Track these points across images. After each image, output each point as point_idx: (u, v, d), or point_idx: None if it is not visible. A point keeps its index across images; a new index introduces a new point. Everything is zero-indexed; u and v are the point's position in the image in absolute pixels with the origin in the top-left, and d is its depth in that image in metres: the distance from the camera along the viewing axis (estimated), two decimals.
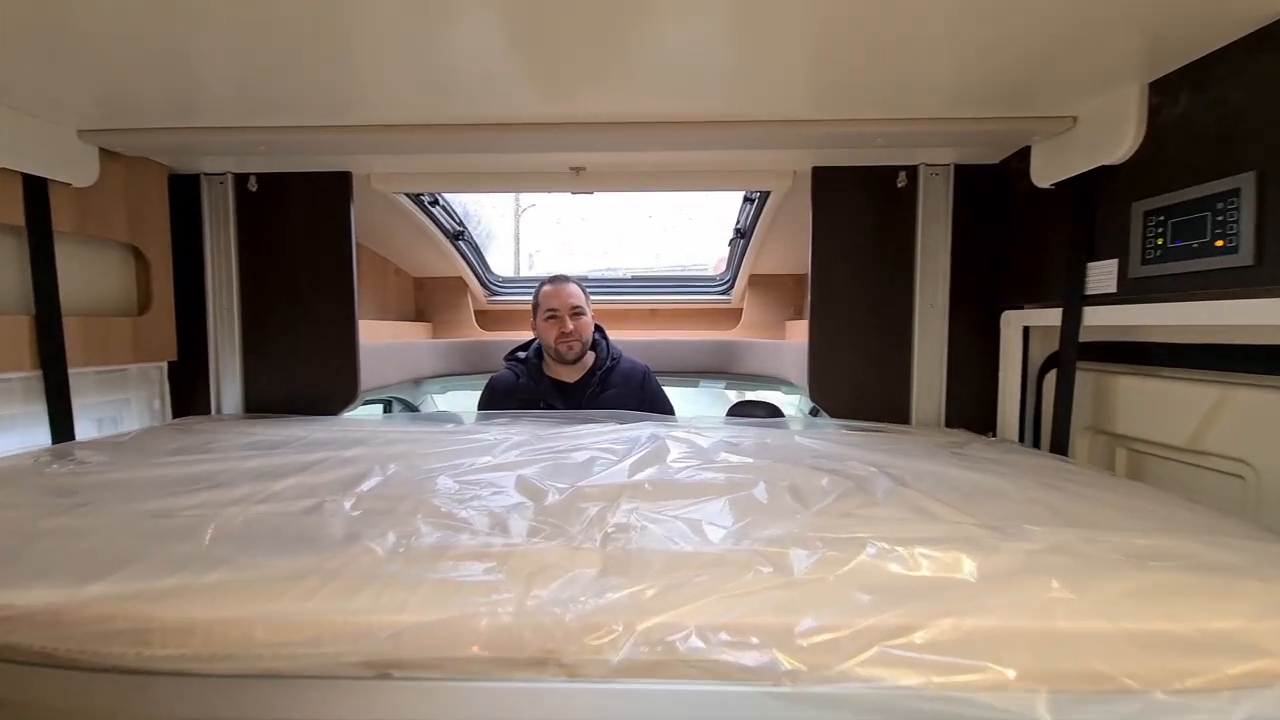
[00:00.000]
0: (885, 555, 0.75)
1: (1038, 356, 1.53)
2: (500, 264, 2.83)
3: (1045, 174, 1.41)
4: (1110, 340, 1.33)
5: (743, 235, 2.32)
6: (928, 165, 1.64)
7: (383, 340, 2.38)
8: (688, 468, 1.14)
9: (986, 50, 1.05)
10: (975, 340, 1.65)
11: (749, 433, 1.46)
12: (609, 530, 0.82)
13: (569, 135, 1.40)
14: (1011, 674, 0.59)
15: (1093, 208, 1.28)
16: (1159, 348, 1.24)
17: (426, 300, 2.80)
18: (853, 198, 1.67)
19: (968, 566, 0.73)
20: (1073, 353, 1.32)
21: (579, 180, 1.75)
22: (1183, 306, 1.09)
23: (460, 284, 2.73)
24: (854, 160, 1.64)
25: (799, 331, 1.78)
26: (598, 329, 2.14)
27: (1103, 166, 1.24)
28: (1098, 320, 1.28)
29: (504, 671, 0.61)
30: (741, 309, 2.73)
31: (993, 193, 1.63)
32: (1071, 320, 1.32)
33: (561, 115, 1.36)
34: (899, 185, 1.66)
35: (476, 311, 2.81)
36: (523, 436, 1.41)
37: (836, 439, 1.41)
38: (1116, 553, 0.76)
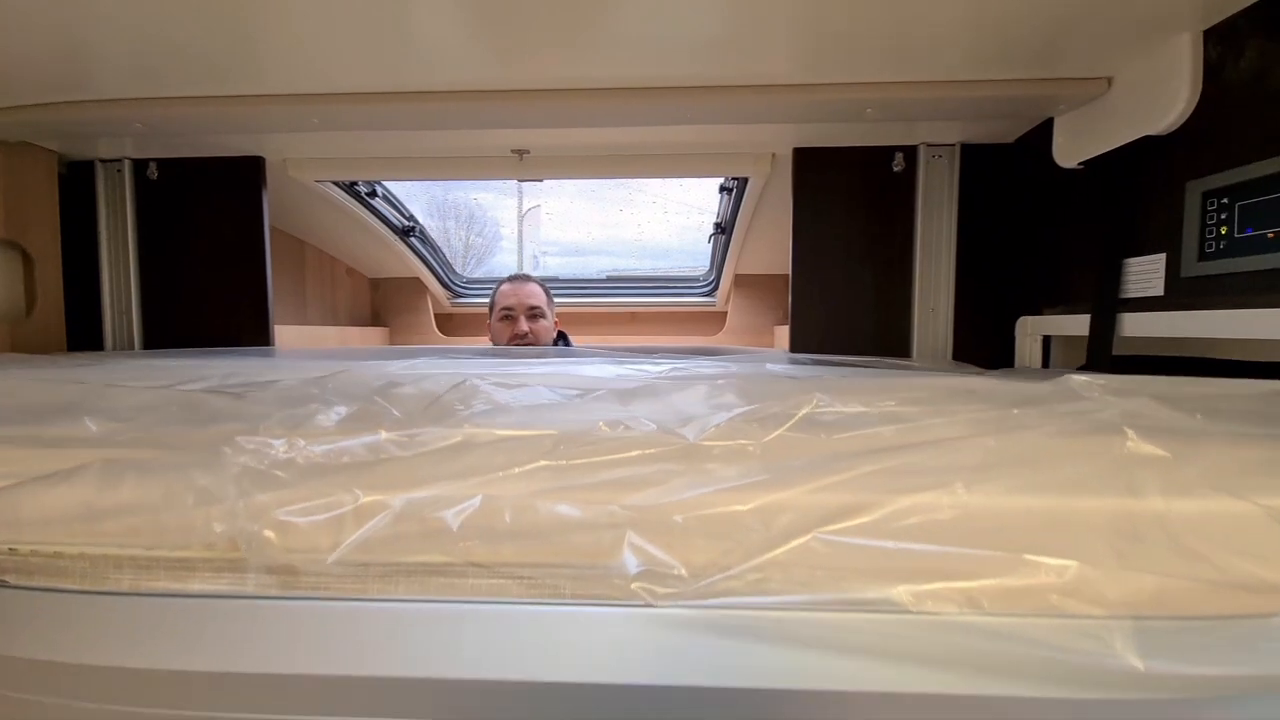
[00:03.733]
0: (839, 404, 0.48)
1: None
2: (507, 266, 2.63)
3: (1071, 151, 1.17)
4: (1154, 355, 1.09)
5: (723, 230, 2.08)
6: (929, 145, 1.40)
7: (328, 347, 2.16)
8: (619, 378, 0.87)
9: None
10: (984, 350, 1.41)
11: (714, 366, 1.17)
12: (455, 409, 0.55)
13: (519, 105, 1.18)
14: (1068, 589, 0.36)
15: (1132, 190, 1.04)
16: (1220, 365, 0.99)
17: (383, 303, 2.58)
18: (840, 184, 1.43)
19: (977, 414, 0.46)
20: (1104, 368, 1.08)
21: (524, 166, 1.52)
22: (1255, 314, 0.84)
23: (419, 285, 2.50)
24: (842, 140, 1.40)
25: (786, 338, 1.57)
26: (560, 335, 1.95)
27: (1146, 138, 1.00)
28: (1138, 329, 1.03)
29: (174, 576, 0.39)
30: (726, 312, 2.49)
31: (1006, 177, 1.39)
32: (1103, 329, 1.07)
33: (511, 82, 1.13)
34: (895, 169, 1.42)
35: (438, 315, 2.58)
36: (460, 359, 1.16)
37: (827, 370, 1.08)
38: (1224, 419, 0.49)
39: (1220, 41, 0.91)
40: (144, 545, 0.40)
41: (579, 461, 0.41)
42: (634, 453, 0.42)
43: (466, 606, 0.38)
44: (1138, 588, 0.37)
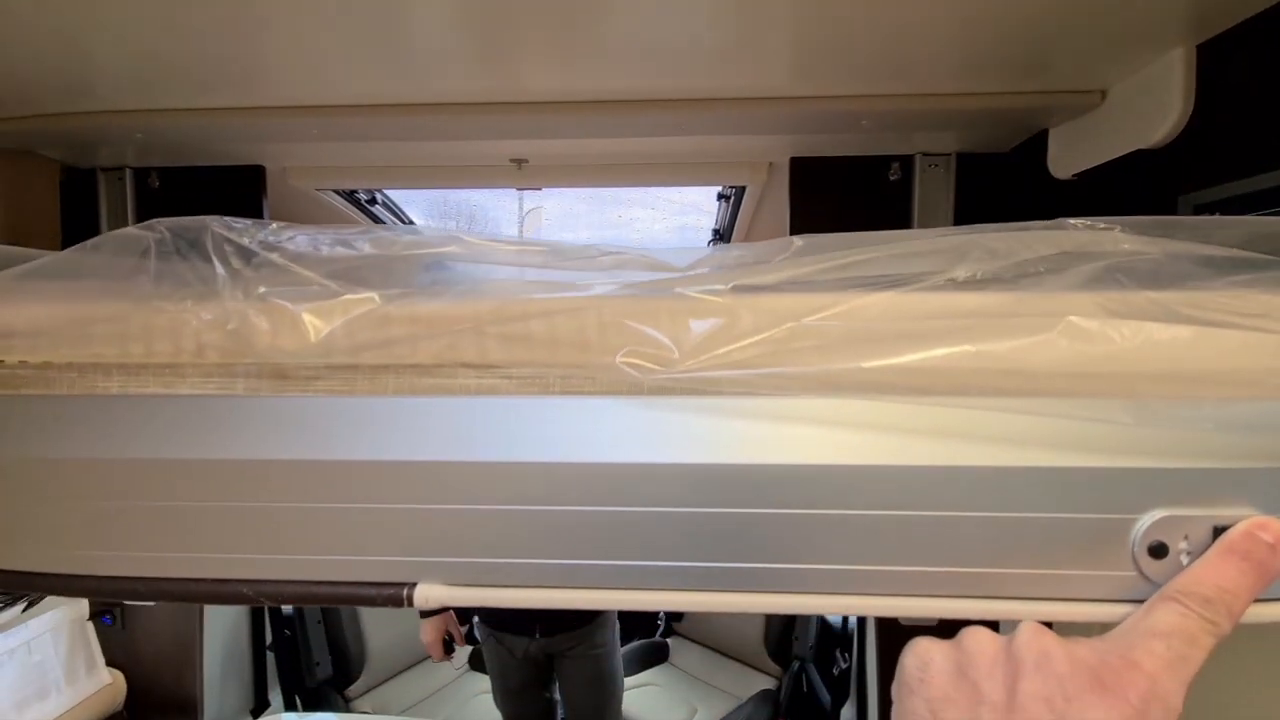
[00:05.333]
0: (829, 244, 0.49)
1: None
2: None
3: (1065, 163, 1.17)
4: None
5: (721, 237, 2.10)
6: (925, 155, 1.40)
7: None
8: None
9: (996, 6, 0.83)
10: None
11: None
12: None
13: (517, 117, 1.19)
14: (1056, 358, 0.36)
15: (1125, 203, 1.04)
16: None
17: None
18: (837, 193, 1.44)
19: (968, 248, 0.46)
20: None
21: (523, 175, 1.53)
22: None
23: None
24: (838, 150, 1.41)
25: None
26: None
27: (1139, 152, 1.00)
28: None
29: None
30: None
31: (1002, 188, 1.39)
32: None
33: (510, 94, 1.14)
34: (891, 178, 1.42)
35: None
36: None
37: None
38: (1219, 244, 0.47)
39: (1213, 55, 0.91)
40: (132, 349, 0.39)
41: (568, 274, 0.42)
42: (624, 272, 0.43)
43: (454, 400, 0.38)
44: (1129, 351, 0.36)
